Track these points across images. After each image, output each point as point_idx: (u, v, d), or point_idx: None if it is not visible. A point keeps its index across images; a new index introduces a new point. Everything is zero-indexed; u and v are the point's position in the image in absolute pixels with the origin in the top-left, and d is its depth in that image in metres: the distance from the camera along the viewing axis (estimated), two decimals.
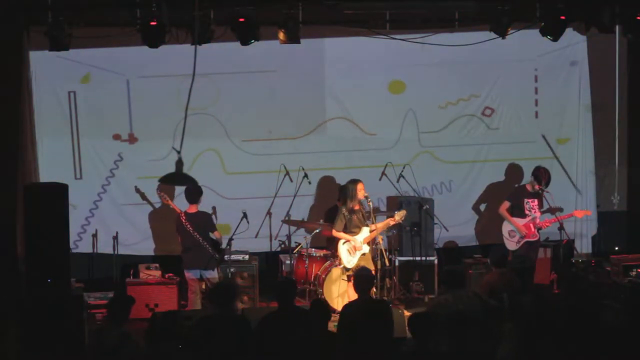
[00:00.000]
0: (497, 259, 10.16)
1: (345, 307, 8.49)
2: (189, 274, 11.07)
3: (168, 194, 11.69)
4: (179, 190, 11.67)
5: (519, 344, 7.47)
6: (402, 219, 11.42)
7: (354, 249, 11.13)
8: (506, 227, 11.82)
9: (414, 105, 12.72)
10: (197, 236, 10.96)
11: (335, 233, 11.21)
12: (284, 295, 7.91)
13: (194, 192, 11.05)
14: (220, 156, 12.42)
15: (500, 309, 8.38)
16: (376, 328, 7.71)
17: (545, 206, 11.80)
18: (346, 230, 11.19)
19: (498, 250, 12.10)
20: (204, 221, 11.12)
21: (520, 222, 11.69)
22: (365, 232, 11.18)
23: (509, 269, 9.83)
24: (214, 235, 11.12)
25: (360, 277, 8.64)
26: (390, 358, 7.55)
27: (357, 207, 11.23)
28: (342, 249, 11.17)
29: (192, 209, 11.10)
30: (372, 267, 11.11)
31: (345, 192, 11.25)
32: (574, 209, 12.36)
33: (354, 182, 11.20)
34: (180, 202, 11.41)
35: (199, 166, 12.07)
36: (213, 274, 11.03)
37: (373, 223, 11.14)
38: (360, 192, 11.10)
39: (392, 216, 11.42)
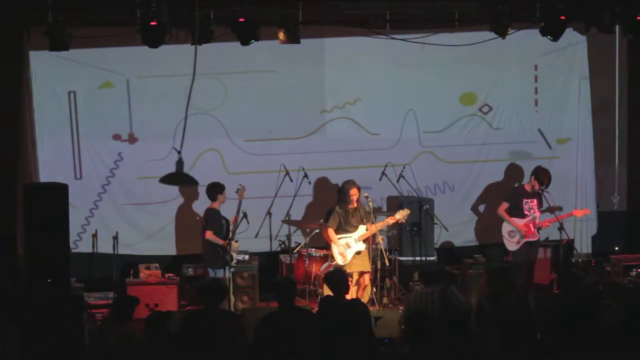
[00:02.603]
0: (492, 257, 10.19)
1: (321, 305, 8.42)
2: (209, 273, 11.15)
3: (188, 194, 11.91)
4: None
5: (501, 347, 7.48)
6: (405, 218, 11.37)
7: (347, 245, 11.12)
8: (506, 228, 11.80)
9: (415, 105, 12.73)
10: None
11: (328, 231, 11.22)
12: (284, 294, 7.90)
13: (210, 190, 11.21)
14: (222, 156, 12.43)
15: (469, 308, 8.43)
16: (352, 328, 7.71)
17: (545, 206, 11.80)
18: (341, 228, 11.20)
19: (493, 250, 12.12)
20: (205, 219, 11.16)
21: (519, 222, 11.68)
22: (361, 230, 11.19)
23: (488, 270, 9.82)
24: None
25: (333, 279, 8.61)
26: (371, 357, 7.56)
27: (353, 206, 11.25)
28: (335, 249, 11.19)
29: (210, 206, 11.20)
30: (368, 267, 11.12)
31: (340, 191, 11.33)
32: (573, 209, 12.36)
33: (347, 182, 11.27)
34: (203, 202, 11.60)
35: (200, 165, 12.09)
36: (220, 274, 11.02)
37: (372, 223, 11.15)
38: (354, 196, 11.16)
39: (393, 214, 11.39)
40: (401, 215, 11.31)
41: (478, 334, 7.67)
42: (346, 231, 11.22)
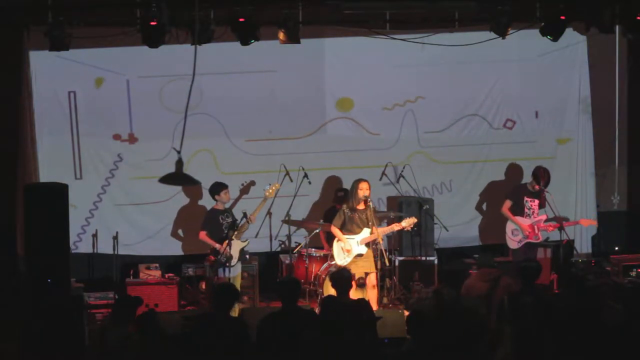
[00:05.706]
0: (483, 260, 10.26)
1: (325, 304, 8.38)
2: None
3: (192, 193, 11.94)
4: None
5: (516, 346, 7.49)
6: (411, 226, 11.06)
7: (347, 251, 10.93)
8: (510, 226, 11.79)
9: (414, 105, 12.73)
10: None
11: (332, 228, 11.08)
12: (289, 295, 7.87)
13: (209, 190, 11.21)
14: (215, 156, 12.41)
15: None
16: (357, 328, 7.70)
17: (547, 209, 11.75)
18: (344, 228, 10.97)
19: (486, 251, 12.14)
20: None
21: (524, 222, 11.66)
22: (364, 233, 10.92)
23: (497, 270, 9.84)
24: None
25: (338, 278, 8.59)
26: (375, 357, 7.56)
27: (360, 207, 10.94)
28: (336, 246, 11.07)
29: (213, 206, 11.26)
30: (372, 269, 10.88)
31: (350, 190, 11.16)
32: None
33: (357, 181, 11.05)
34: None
35: (196, 165, 12.04)
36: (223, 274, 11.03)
37: (373, 224, 10.99)
38: (361, 191, 10.88)
39: (399, 221, 11.11)
40: (407, 223, 10.99)
41: (496, 332, 7.68)
42: (350, 232, 10.97)
